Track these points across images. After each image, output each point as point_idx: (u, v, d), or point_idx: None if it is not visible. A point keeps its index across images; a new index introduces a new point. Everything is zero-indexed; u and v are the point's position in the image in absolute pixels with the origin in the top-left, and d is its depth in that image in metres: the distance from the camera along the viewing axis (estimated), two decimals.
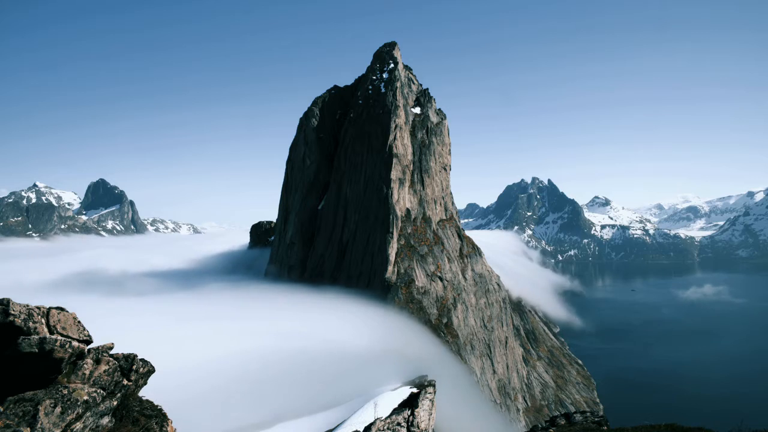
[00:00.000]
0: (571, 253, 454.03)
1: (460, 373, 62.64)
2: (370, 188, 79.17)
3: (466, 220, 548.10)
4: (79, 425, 7.54)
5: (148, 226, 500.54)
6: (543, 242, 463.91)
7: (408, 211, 79.75)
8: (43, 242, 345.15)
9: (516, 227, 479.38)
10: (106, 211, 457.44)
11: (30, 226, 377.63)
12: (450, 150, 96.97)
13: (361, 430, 18.49)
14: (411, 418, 18.22)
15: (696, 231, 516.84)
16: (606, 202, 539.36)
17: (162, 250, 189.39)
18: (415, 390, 24.82)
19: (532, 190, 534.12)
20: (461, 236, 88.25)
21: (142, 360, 9.54)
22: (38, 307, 7.82)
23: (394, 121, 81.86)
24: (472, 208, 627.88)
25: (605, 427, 18.30)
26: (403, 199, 78.84)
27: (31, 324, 7.47)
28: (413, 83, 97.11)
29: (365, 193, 79.68)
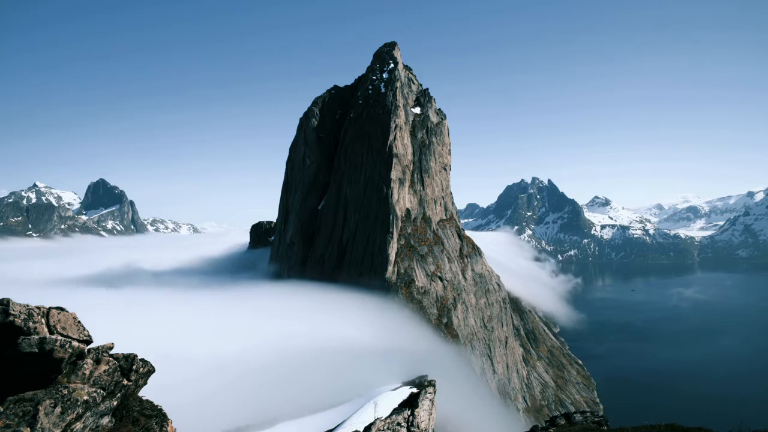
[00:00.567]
0: (571, 253, 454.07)
1: (464, 370, 62.74)
2: (370, 188, 79.17)
3: (466, 220, 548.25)
4: (79, 425, 7.54)
5: (148, 226, 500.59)
6: (543, 242, 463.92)
7: (408, 211, 79.76)
8: (44, 242, 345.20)
9: (516, 227, 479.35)
10: (106, 211, 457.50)
11: (30, 226, 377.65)
12: (450, 150, 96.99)
13: (361, 430, 18.49)
14: (411, 418, 18.22)
15: (696, 231, 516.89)
16: (606, 202, 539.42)
17: (162, 250, 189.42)
18: (415, 390, 24.83)
19: (532, 190, 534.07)
20: (461, 236, 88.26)
21: (142, 360, 9.54)
22: (38, 307, 7.82)
23: (394, 121, 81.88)
24: (472, 208, 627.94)
25: (605, 427, 18.30)
26: (403, 199, 78.84)
27: (31, 324, 7.48)
28: (413, 83, 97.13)
29: (365, 193, 79.69)
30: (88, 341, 8.45)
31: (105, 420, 8.25)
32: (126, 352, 9.30)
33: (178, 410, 12.64)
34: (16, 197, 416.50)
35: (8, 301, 7.46)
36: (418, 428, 18.06)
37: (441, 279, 75.25)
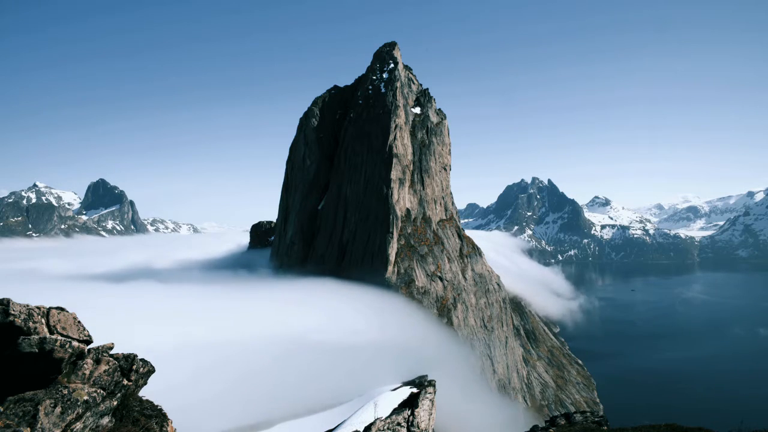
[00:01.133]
0: (571, 253, 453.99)
1: (467, 364, 62.86)
2: (370, 188, 79.18)
3: (466, 220, 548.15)
4: (79, 425, 7.54)
5: (148, 226, 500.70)
6: (543, 242, 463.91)
7: (408, 211, 79.77)
8: (45, 242, 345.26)
9: (516, 227, 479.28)
10: (106, 211, 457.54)
11: (30, 226, 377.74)
12: (450, 150, 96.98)
13: (361, 430, 18.49)
14: (411, 418, 18.22)
15: (696, 231, 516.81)
16: (606, 202, 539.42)
17: (162, 250, 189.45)
18: (415, 390, 24.83)
19: (532, 190, 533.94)
20: (461, 236, 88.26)
21: (142, 360, 9.54)
22: (38, 307, 7.83)
23: (394, 121, 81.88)
24: (472, 208, 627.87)
25: (605, 427, 18.31)
26: (403, 199, 78.85)
27: (31, 324, 7.48)
28: (413, 83, 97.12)
29: (365, 193, 79.69)
30: (88, 341, 8.46)
31: (105, 420, 8.25)
32: (125, 352, 9.31)
33: (178, 410, 12.64)
34: (16, 197, 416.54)
35: (8, 301, 7.46)
36: (418, 428, 18.07)
37: (441, 279, 75.27)
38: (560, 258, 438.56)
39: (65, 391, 7.51)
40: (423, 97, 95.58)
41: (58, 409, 7.20)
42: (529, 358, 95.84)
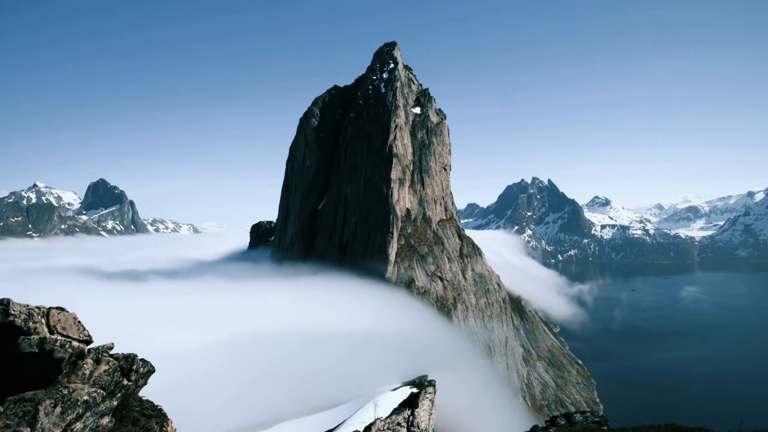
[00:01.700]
0: (571, 253, 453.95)
1: (470, 359, 62.94)
2: (370, 188, 79.18)
3: (466, 220, 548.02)
4: (79, 425, 7.54)
5: (148, 226, 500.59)
6: (543, 242, 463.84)
7: (408, 211, 79.76)
8: (44, 242, 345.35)
9: (516, 227, 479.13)
10: (106, 211, 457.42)
11: (30, 226, 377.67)
12: (450, 150, 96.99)
13: (361, 430, 18.49)
14: (411, 418, 18.22)
15: (696, 231, 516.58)
16: (606, 202, 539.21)
17: (163, 251, 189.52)
18: (415, 390, 24.84)
19: (532, 190, 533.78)
20: (461, 236, 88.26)
21: (142, 360, 9.55)
22: (38, 307, 7.83)
23: (394, 121, 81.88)
24: (472, 208, 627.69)
25: (605, 427, 18.30)
26: (403, 199, 78.85)
27: (31, 324, 7.48)
28: (413, 83, 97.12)
29: (365, 193, 79.70)
30: (88, 341, 8.46)
31: (105, 420, 8.25)
32: (125, 352, 9.31)
33: (178, 410, 12.64)
34: (16, 197, 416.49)
35: (8, 301, 7.46)
36: (418, 428, 18.06)
37: (441, 279, 75.27)
38: (560, 258, 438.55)
39: (65, 391, 7.51)
40: (423, 97, 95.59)
41: (58, 409, 7.21)
42: (529, 358, 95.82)
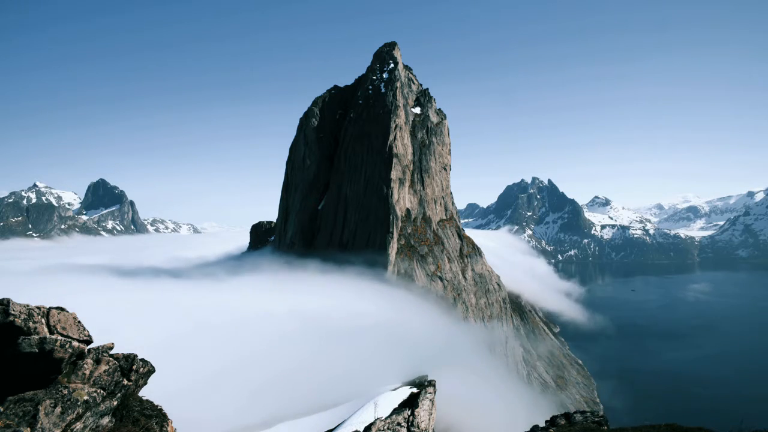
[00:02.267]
0: (571, 253, 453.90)
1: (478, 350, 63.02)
2: (370, 188, 79.18)
3: (466, 220, 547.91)
4: (79, 425, 7.54)
5: (148, 226, 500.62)
6: (543, 242, 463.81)
7: (408, 211, 79.76)
8: (44, 242, 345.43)
9: (516, 227, 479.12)
10: (107, 211, 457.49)
11: (30, 226, 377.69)
12: (450, 150, 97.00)
13: (361, 430, 18.49)
14: (411, 418, 18.22)
15: (696, 231, 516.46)
16: (606, 202, 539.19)
17: (163, 251, 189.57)
18: (415, 390, 24.84)
19: (532, 190, 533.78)
20: (461, 236, 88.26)
21: (142, 360, 9.54)
22: (38, 307, 7.82)
23: (394, 121, 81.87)
24: (472, 208, 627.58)
25: (605, 427, 18.29)
26: (403, 199, 78.84)
27: (31, 324, 7.48)
28: (413, 83, 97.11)
29: (365, 193, 79.70)
30: (88, 341, 8.46)
31: (105, 420, 8.25)
32: (126, 352, 9.31)
33: (178, 410, 12.64)
34: (16, 197, 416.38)
35: (8, 301, 7.46)
36: (418, 428, 18.06)
37: (441, 279, 75.27)
38: (560, 258, 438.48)
39: (65, 391, 7.51)
40: (423, 97, 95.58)
41: (58, 409, 7.20)
42: (529, 358, 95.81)
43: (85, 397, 7.76)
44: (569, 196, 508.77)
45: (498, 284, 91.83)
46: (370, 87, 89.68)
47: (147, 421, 9.08)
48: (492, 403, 62.80)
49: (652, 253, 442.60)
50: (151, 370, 9.77)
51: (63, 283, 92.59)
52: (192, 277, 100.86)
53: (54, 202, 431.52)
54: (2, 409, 6.77)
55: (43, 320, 7.72)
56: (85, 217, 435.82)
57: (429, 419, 19.04)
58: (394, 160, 78.55)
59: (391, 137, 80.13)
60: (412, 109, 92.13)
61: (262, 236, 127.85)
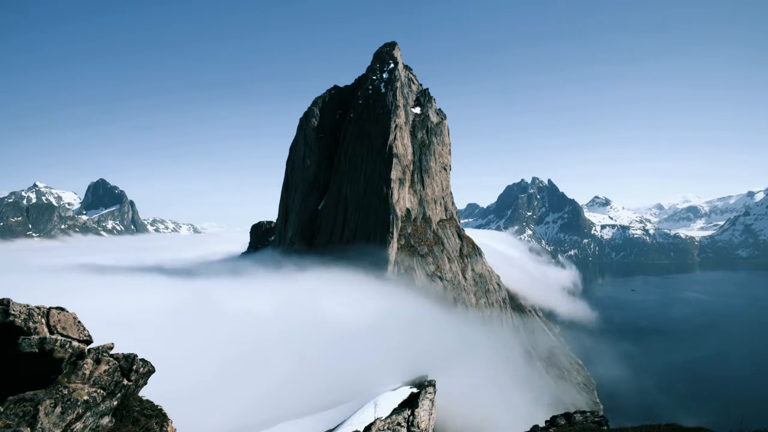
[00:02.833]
0: (571, 253, 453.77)
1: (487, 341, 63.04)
2: (370, 188, 79.19)
3: (466, 220, 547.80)
4: (79, 425, 7.54)
5: (148, 226, 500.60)
6: (543, 242, 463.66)
7: (408, 211, 79.76)
8: (44, 242, 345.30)
9: (516, 227, 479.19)
10: (106, 211, 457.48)
11: (30, 226, 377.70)
12: (450, 150, 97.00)
13: (361, 430, 18.50)
14: (411, 418, 18.22)
15: (696, 231, 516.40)
16: (606, 202, 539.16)
17: (162, 251, 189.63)
18: (415, 390, 24.83)
19: (532, 190, 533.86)
20: (461, 236, 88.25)
21: (142, 360, 9.54)
22: (38, 307, 7.83)
23: (394, 121, 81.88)
24: (472, 208, 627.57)
25: (605, 427, 18.29)
26: (403, 199, 78.84)
27: (31, 324, 7.48)
28: (413, 83, 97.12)
29: (365, 193, 79.70)
30: (89, 341, 8.46)
31: (105, 420, 8.25)
32: (126, 352, 9.31)
33: (178, 410, 12.64)
34: (16, 197, 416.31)
35: (8, 301, 7.46)
36: (418, 428, 18.07)
37: (441, 279, 75.27)
38: (560, 258, 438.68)
39: (65, 391, 7.51)
40: (423, 97, 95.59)
41: (58, 409, 7.21)
42: (529, 358, 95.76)
43: (85, 397, 7.76)
44: (569, 196, 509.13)
45: (498, 284, 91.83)
46: (370, 87, 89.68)
47: (147, 421, 9.08)
48: (492, 403, 62.80)
49: (652, 253, 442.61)
50: (151, 370, 9.77)
51: (77, 282, 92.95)
52: (192, 277, 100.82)
53: (54, 202, 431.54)
54: (2, 409, 6.77)
55: (43, 320, 7.73)
56: (85, 217, 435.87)
57: (429, 419, 19.05)
58: (394, 160, 78.55)
59: (391, 137, 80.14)
60: (412, 109, 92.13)
61: (262, 236, 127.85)
